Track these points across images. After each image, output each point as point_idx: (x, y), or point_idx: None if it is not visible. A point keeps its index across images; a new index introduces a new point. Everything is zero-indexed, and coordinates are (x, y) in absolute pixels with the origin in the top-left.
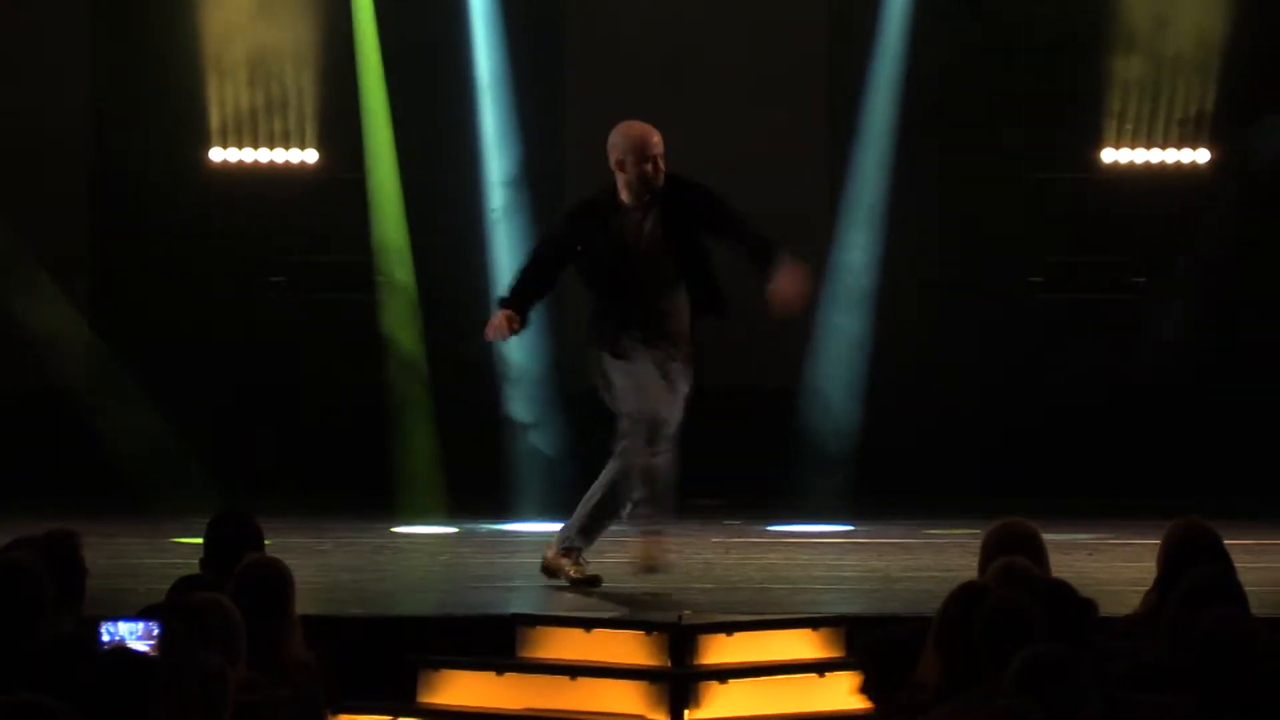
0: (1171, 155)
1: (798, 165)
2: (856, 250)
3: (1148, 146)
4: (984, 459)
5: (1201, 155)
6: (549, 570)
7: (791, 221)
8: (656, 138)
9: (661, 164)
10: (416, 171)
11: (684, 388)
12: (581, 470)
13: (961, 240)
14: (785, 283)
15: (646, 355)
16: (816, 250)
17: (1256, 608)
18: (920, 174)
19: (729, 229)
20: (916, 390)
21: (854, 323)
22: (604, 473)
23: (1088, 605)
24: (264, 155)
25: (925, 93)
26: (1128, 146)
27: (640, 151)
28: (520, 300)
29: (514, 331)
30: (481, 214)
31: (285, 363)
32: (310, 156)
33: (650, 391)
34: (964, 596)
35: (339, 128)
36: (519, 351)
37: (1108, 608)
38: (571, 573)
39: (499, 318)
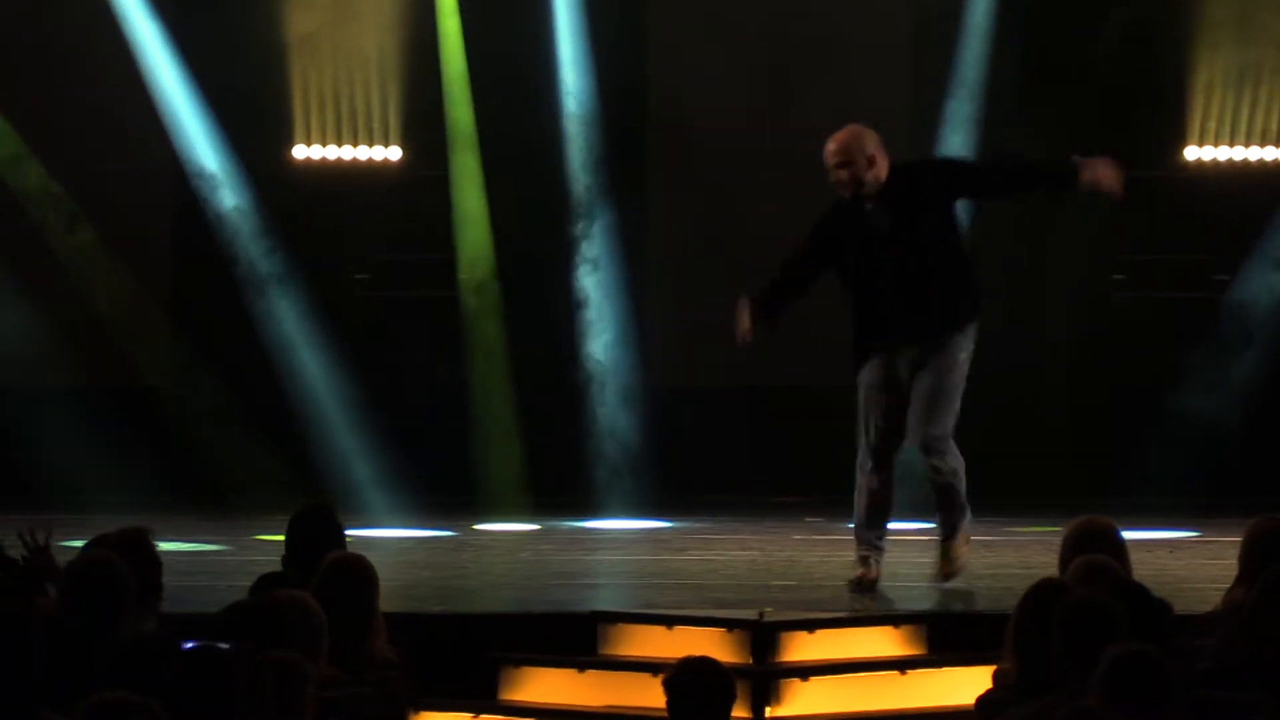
0: (1255, 154)
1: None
2: None
3: (1231, 144)
4: (1070, 457)
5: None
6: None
7: None
8: (831, 146)
9: (843, 174)
10: (501, 170)
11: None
12: (661, 467)
13: (1040, 236)
14: (1101, 173)
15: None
16: None
17: None
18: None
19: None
20: (997, 388)
21: None
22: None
23: (1164, 606)
24: (347, 152)
25: (1008, 88)
26: (1211, 144)
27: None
28: (764, 299)
29: (755, 331)
30: (565, 213)
31: (369, 361)
32: (394, 154)
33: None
34: (1041, 595)
35: (423, 125)
36: (602, 349)
37: (1190, 605)
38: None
39: (742, 317)
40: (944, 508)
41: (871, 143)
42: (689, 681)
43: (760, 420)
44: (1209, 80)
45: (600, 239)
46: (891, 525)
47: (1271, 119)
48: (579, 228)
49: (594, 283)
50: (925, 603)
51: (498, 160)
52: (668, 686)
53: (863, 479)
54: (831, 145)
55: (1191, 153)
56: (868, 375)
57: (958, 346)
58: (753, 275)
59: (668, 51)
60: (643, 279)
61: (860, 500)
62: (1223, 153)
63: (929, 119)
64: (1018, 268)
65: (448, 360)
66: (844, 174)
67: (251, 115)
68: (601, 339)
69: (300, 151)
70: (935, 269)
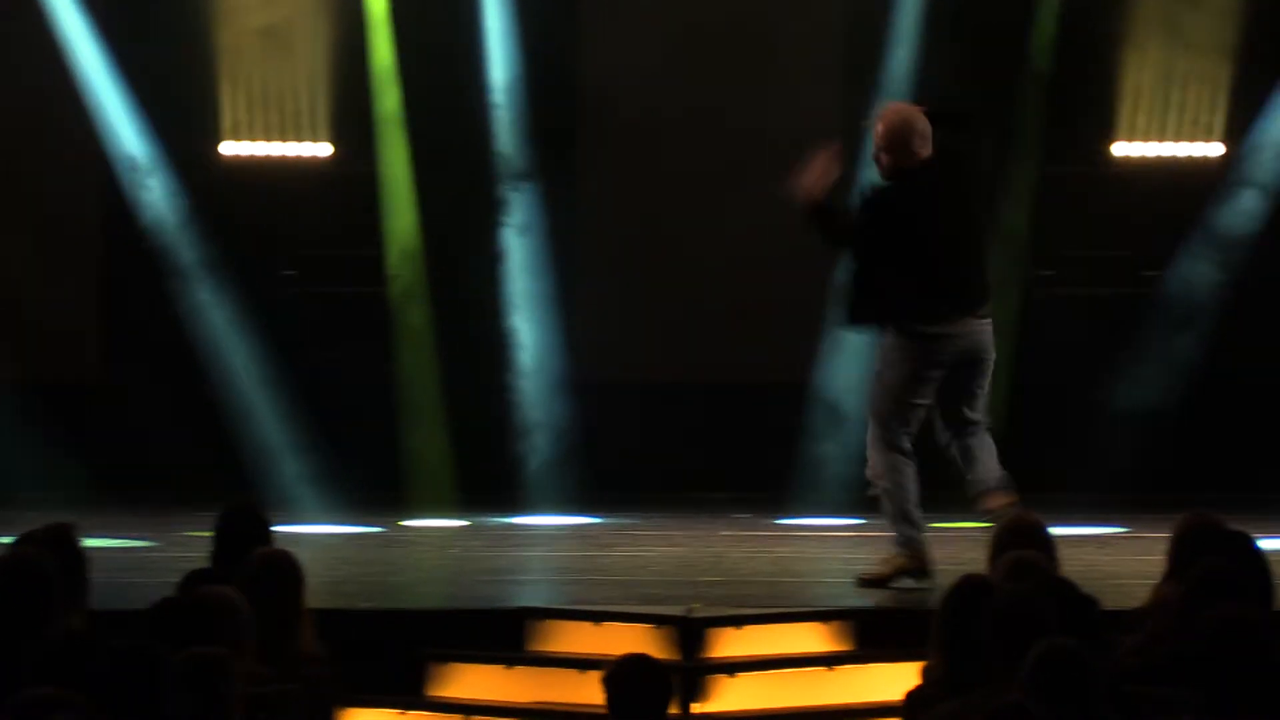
0: (1184, 149)
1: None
2: None
3: (1160, 140)
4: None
5: (1214, 149)
6: None
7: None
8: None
9: (884, 157)
10: (430, 158)
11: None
12: (589, 463)
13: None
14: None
15: None
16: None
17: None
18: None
19: None
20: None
21: None
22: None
23: (1091, 602)
24: (276, 149)
25: (935, 88)
26: (1140, 140)
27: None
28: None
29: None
30: (494, 201)
31: (295, 356)
32: (323, 150)
33: None
34: (965, 591)
35: (353, 120)
36: (532, 343)
37: (1118, 601)
38: None
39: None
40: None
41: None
42: (628, 678)
43: (688, 416)
44: (1137, 77)
45: (530, 229)
46: (818, 521)
47: (1199, 115)
48: (508, 216)
49: (523, 274)
50: (853, 599)
51: (426, 148)
52: (607, 683)
53: None
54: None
55: (1120, 148)
56: None
57: (886, 345)
58: (682, 272)
59: (598, 33)
60: (573, 273)
61: None
62: (1151, 148)
63: (859, 107)
64: None
65: (376, 356)
66: (885, 158)
67: (181, 112)
68: (531, 334)
69: (229, 148)
70: None
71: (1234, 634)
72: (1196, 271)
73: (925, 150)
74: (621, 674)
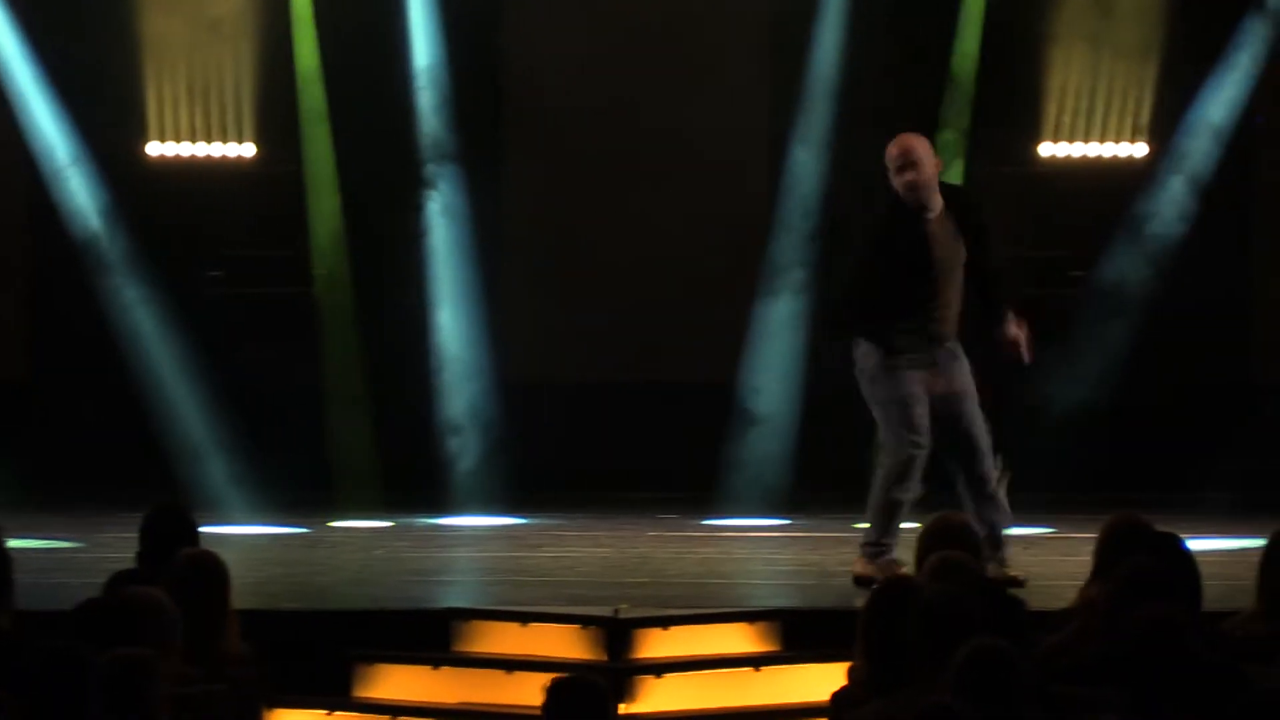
0: (1110, 149)
1: (739, 167)
2: (794, 250)
3: (1085, 141)
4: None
5: (1140, 149)
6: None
7: (731, 220)
8: (893, 150)
9: (909, 176)
10: (354, 150)
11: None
12: (517, 463)
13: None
14: (1015, 334)
15: None
16: (757, 246)
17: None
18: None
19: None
20: (847, 385)
21: (795, 314)
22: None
23: (1017, 602)
24: (201, 149)
25: (863, 91)
26: (1066, 140)
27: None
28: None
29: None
30: (417, 197)
31: (221, 356)
32: (248, 150)
33: None
34: (890, 592)
35: (277, 121)
36: (457, 342)
37: (1045, 601)
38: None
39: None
40: None
41: (924, 149)
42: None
43: (614, 416)
44: (1063, 78)
45: (455, 222)
46: (744, 521)
47: (1125, 116)
48: (432, 209)
49: (449, 275)
50: (780, 599)
51: (350, 144)
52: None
53: None
54: (893, 149)
55: (1046, 149)
56: None
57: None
58: (608, 269)
59: (523, 20)
60: (499, 275)
61: None
62: (1077, 149)
63: (786, 103)
64: None
65: (302, 356)
66: (910, 176)
67: (106, 112)
68: (457, 333)
69: (155, 148)
70: None
71: (1159, 634)
72: (1124, 271)
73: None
74: (560, 694)
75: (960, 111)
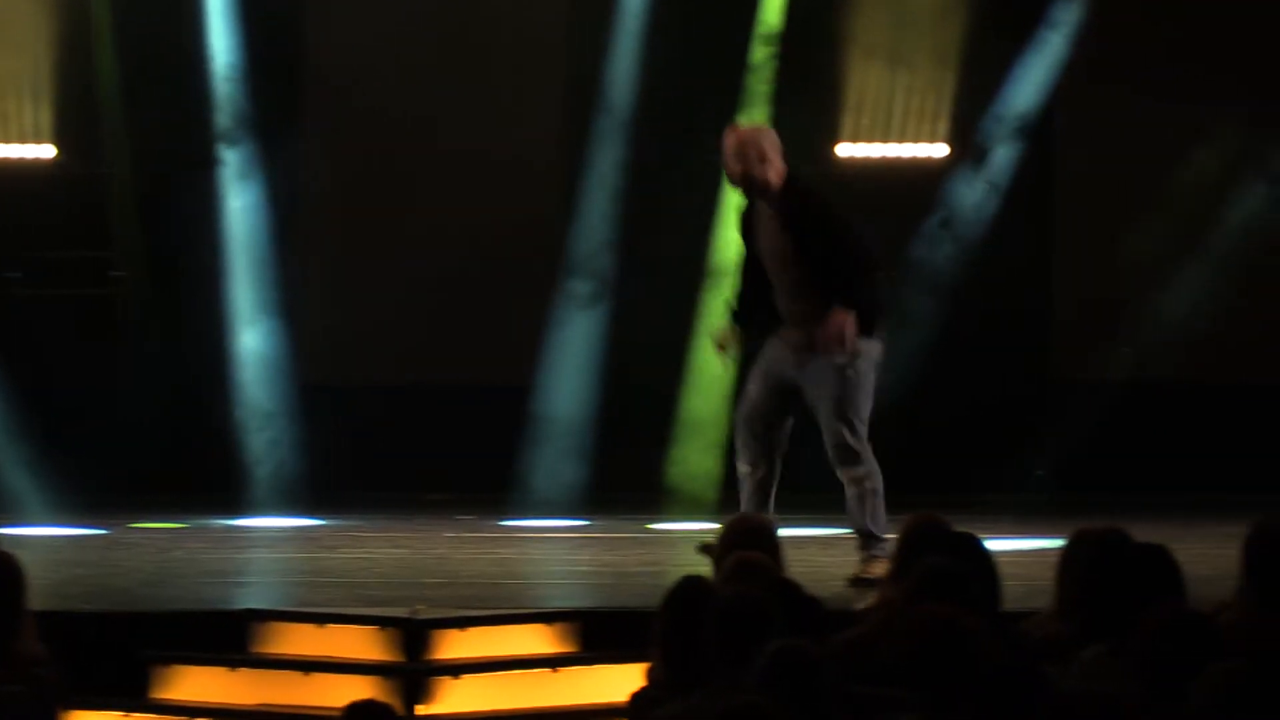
0: (909, 150)
1: (535, 168)
2: (594, 250)
3: (884, 141)
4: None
5: (939, 149)
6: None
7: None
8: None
9: (735, 167)
10: (151, 164)
11: None
12: (314, 464)
13: (700, 239)
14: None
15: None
16: (553, 248)
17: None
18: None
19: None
20: (649, 387)
21: (590, 319)
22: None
23: (816, 602)
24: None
25: (661, 92)
26: (864, 141)
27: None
28: (739, 312)
29: (736, 344)
30: (215, 207)
31: (20, 357)
32: (47, 151)
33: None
34: (685, 592)
35: (77, 121)
36: (253, 344)
37: (844, 602)
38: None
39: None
40: None
41: (766, 141)
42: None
43: (410, 417)
44: (862, 78)
45: (252, 224)
46: (541, 522)
47: (923, 118)
48: (230, 212)
49: (246, 274)
50: (578, 600)
51: (149, 142)
52: None
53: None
54: (729, 139)
55: (844, 149)
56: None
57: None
58: (407, 270)
59: (323, 18)
60: (297, 274)
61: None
62: (875, 149)
63: (585, 101)
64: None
65: (101, 357)
66: (735, 168)
67: None
68: (255, 334)
69: None
70: None
71: (940, 634)
72: (923, 270)
73: None
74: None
75: (756, 112)
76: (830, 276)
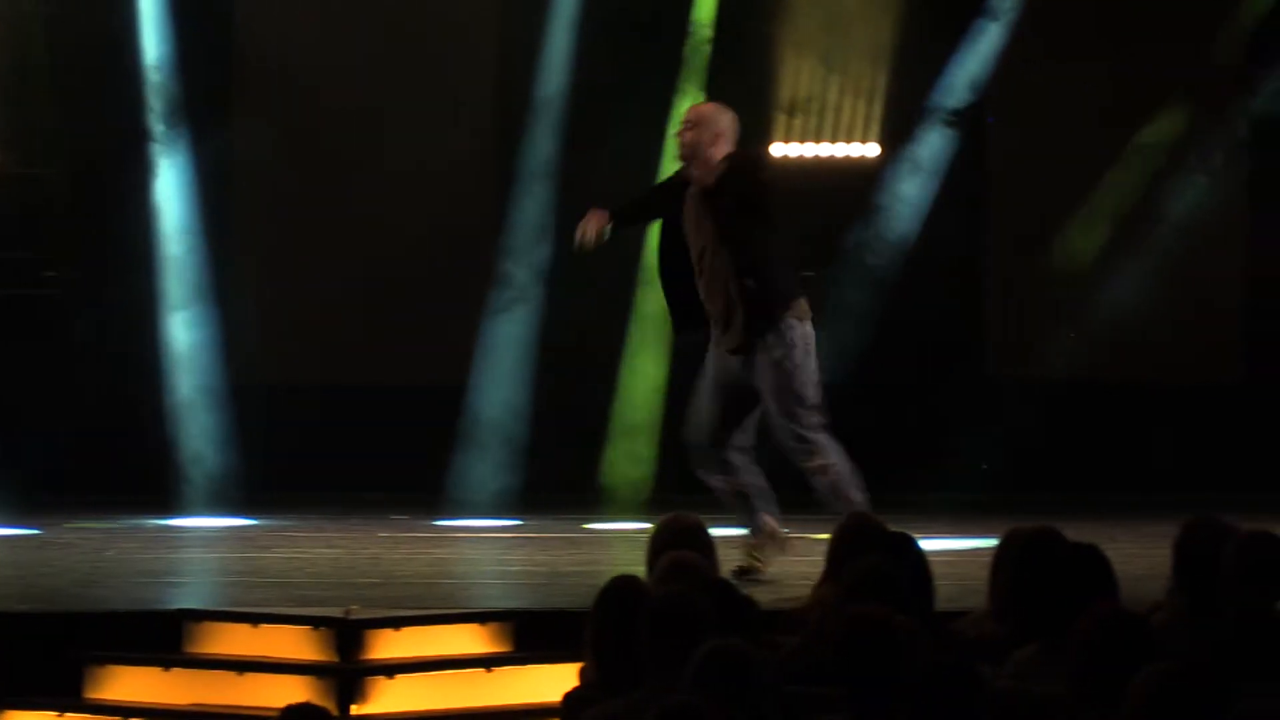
0: (842, 150)
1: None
2: (527, 249)
3: (817, 141)
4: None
5: (871, 150)
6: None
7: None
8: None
9: (687, 134)
10: (82, 161)
11: None
12: (248, 463)
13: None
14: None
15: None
16: (489, 248)
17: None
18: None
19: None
20: (582, 387)
21: (524, 318)
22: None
23: (749, 602)
24: None
25: (592, 90)
26: (797, 141)
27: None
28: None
29: (599, 236)
30: (148, 202)
31: None
32: None
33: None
34: (617, 592)
35: (11, 121)
36: (185, 343)
37: (777, 601)
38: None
39: (591, 217)
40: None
41: (725, 122)
42: None
43: (344, 417)
44: (795, 79)
45: (185, 222)
46: (475, 522)
47: (856, 117)
48: (161, 208)
49: (177, 272)
50: (512, 600)
51: (79, 137)
52: None
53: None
54: (693, 110)
55: (778, 149)
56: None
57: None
58: (339, 271)
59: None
60: (229, 271)
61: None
62: (809, 149)
63: (516, 99)
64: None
65: (36, 356)
66: (687, 135)
67: None
68: (188, 333)
69: None
70: None
71: (866, 633)
72: (856, 268)
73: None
74: None
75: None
76: (742, 266)
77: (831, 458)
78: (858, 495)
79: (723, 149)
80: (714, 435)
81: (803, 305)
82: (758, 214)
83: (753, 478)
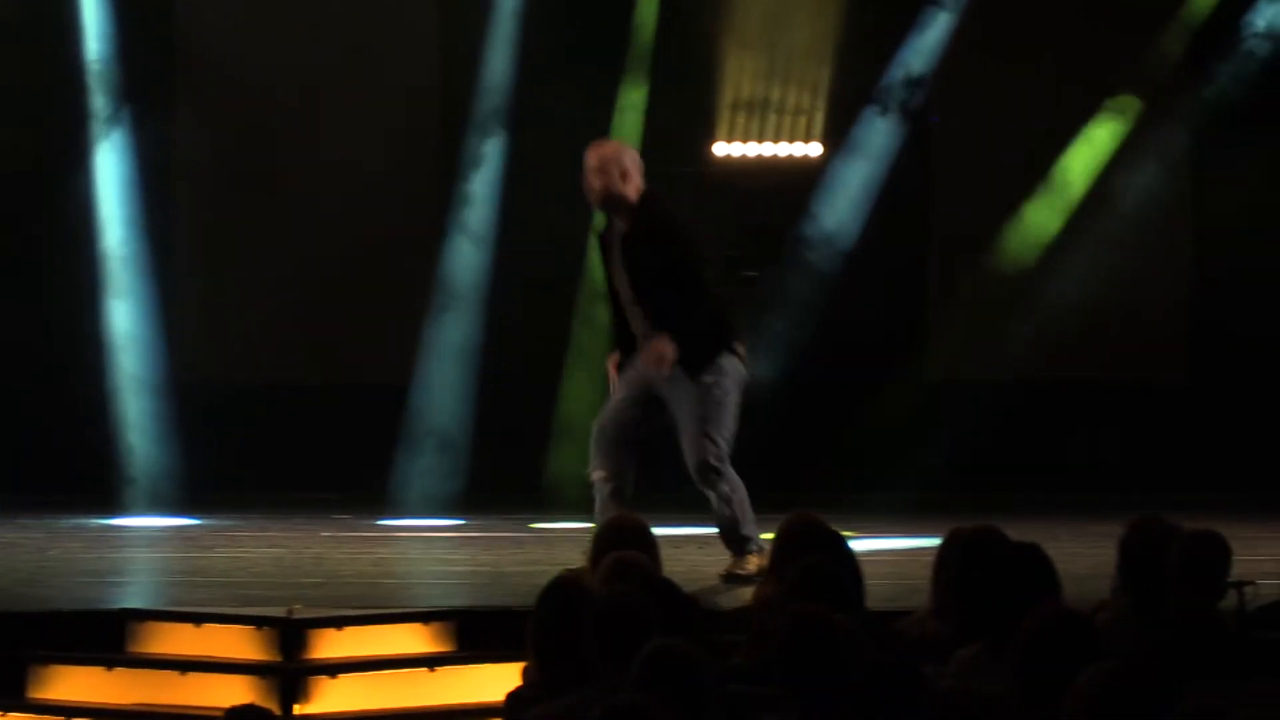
0: (784, 149)
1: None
2: (471, 249)
3: (760, 141)
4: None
5: (814, 149)
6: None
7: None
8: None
9: (595, 182)
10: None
11: None
12: (190, 463)
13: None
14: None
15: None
16: (433, 246)
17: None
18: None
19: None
20: (525, 387)
21: (466, 318)
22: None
23: (693, 602)
24: None
25: (534, 92)
26: (740, 140)
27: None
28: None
29: (619, 370)
30: (88, 197)
31: None
32: None
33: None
34: (560, 592)
35: None
36: (126, 340)
37: (720, 601)
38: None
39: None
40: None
41: (628, 159)
42: None
43: (286, 417)
44: (738, 78)
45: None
46: (418, 522)
47: (798, 117)
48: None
49: (118, 267)
50: (455, 599)
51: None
52: None
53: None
54: (592, 155)
55: (720, 149)
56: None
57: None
58: (282, 269)
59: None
60: (168, 268)
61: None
62: (751, 149)
63: (462, 92)
64: (549, 270)
65: None
66: (595, 182)
67: None
68: (130, 331)
69: None
70: None
71: (812, 633)
72: (800, 269)
73: None
74: None
75: (631, 113)
76: (660, 300)
77: (740, 492)
78: (752, 531)
79: (634, 186)
80: (617, 430)
81: (739, 346)
82: (672, 252)
83: (626, 490)
